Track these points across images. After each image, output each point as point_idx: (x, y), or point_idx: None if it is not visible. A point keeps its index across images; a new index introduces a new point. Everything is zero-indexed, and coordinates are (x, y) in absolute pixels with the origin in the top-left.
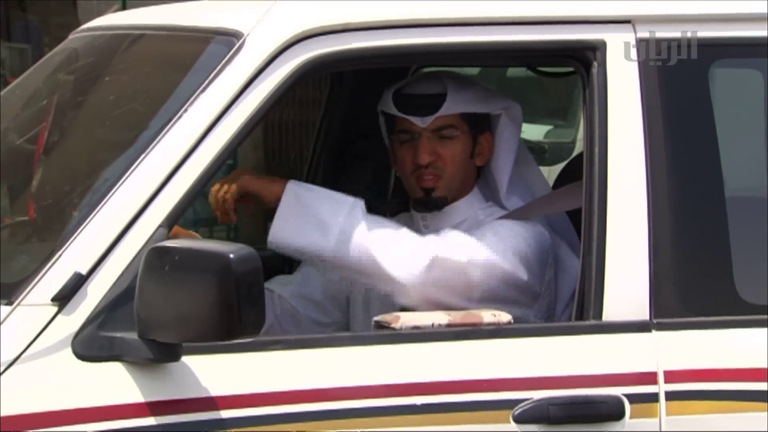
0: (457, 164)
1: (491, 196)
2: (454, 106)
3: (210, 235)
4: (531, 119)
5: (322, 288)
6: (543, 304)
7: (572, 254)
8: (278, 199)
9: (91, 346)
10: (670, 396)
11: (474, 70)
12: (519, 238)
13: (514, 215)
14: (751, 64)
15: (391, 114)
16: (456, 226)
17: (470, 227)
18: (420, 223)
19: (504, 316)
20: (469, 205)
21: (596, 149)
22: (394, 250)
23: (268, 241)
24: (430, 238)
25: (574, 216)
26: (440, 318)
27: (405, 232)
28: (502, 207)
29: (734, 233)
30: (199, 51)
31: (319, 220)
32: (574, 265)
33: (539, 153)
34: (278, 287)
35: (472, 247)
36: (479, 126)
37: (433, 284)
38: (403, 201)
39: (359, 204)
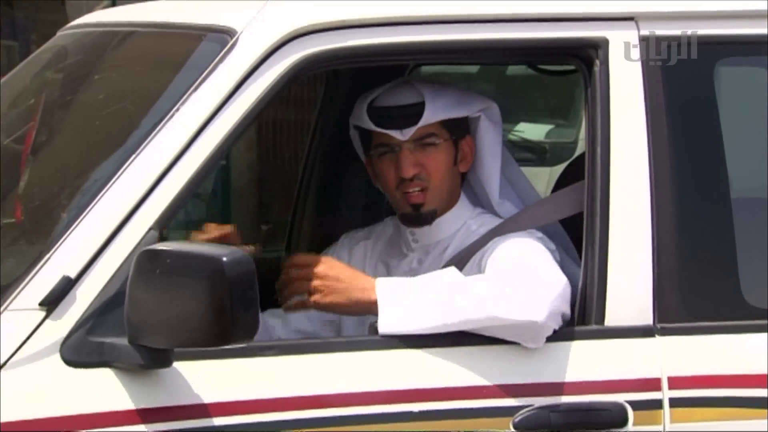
0: (443, 173)
1: (479, 202)
2: (433, 114)
3: None
4: (532, 118)
5: (315, 317)
6: None
7: (568, 258)
8: (368, 299)
9: (80, 351)
10: (675, 403)
11: (472, 68)
12: (544, 251)
13: (513, 226)
14: (757, 62)
15: (366, 129)
16: (448, 239)
17: (463, 239)
18: (409, 238)
19: None
20: (459, 215)
21: (598, 149)
22: (516, 295)
23: (381, 333)
24: (530, 267)
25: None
26: None
27: (511, 273)
28: (494, 214)
29: (740, 235)
30: (191, 49)
31: (423, 298)
32: (571, 269)
33: (540, 153)
34: (271, 319)
35: (555, 271)
36: (459, 131)
37: (556, 315)
38: None
39: (450, 268)
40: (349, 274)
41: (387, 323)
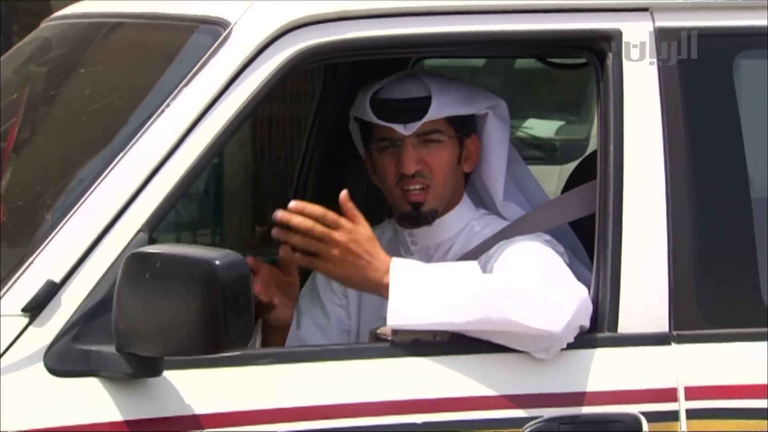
0: (446, 171)
1: (482, 203)
2: (439, 110)
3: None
4: (541, 114)
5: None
6: None
7: (577, 261)
8: (381, 281)
9: (64, 360)
10: (691, 414)
11: (478, 62)
12: (556, 257)
13: (521, 229)
14: None
15: (368, 121)
16: (450, 241)
17: (467, 241)
18: (407, 240)
19: None
20: (460, 216)
21: (611, 147)
22: (536, 303)
23: (389, 324)
24: (549, 275)
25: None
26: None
27: (530, 280)
28: (498, 215)
29: (760, 238)
30: (182, 41)
31: (438, 294)
32: (580, 272)
33: (550, 151)
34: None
35: (575, 281)
36: (465, 129)
37: (574, 328)
38: None
39: (472, 262)
40: (371, 252)
41: (396, 315)
